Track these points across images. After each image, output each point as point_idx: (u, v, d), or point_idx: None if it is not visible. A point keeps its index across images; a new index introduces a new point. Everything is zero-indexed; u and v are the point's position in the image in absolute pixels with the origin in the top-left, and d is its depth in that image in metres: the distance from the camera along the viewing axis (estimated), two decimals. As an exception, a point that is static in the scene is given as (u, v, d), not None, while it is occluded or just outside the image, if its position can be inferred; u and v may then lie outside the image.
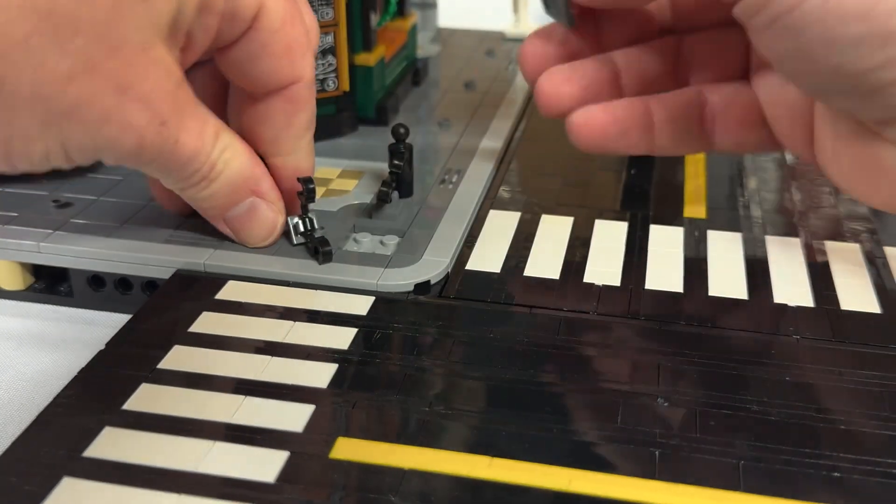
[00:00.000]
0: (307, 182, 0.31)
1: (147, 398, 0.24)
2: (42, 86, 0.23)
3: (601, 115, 0.31)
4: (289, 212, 0.31)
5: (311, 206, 0.31)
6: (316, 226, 0.31)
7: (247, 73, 0.29)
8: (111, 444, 0.23)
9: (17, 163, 0.25)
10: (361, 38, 0.40)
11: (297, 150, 0.31)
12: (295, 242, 0.31)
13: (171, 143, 0.26)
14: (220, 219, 0.30)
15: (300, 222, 0.31)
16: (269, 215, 0.30)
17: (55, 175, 0.35)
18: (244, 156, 0.29)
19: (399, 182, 0.34)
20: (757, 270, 0.31)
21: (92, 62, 0.24)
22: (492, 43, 0.54)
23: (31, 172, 0.25)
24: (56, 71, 0.23)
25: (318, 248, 0.30)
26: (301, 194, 0.31)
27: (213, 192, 0.29)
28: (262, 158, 0.30)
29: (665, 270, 0.31)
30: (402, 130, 0.33)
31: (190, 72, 0.28)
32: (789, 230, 0.34)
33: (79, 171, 0.36)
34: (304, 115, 0.30)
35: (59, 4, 0.23)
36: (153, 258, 0.30)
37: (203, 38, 0.27)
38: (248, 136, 0.30)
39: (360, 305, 0.28)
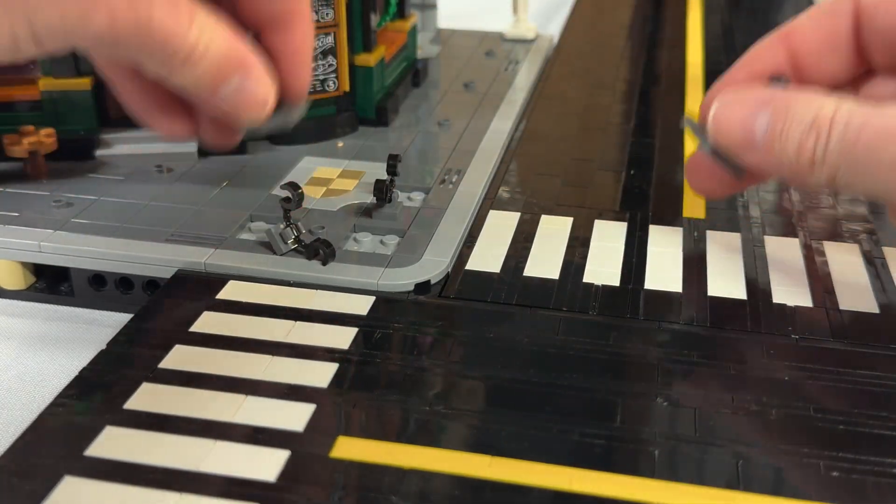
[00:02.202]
0: (294, 188, 0.30)
1: (148, 397, 0.24)
2: None
3: None
4: (295, 89, 0.29)
5: (313, 206, 0.31)
6: (303, 230, 0.31)
7: None
8: (112, 443, 0.23)
9: None
10: (361, 38, 0.40)
11: (295, 26, 0.29)
12: (283, 252, 0.31)
13: (144, 21, 0.25)
14: (211, 102, 0.28)
15: (287, 230, 0.31)
16: (259, 90, 0.28)
17: (56, 175, 0.35)
18: (225, 33, 0.27)
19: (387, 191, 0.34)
20: (756, 271, 0.31)
21: None
22: (492, 43, 0.54)
23: (2, 63, 0.24)
24: None
25: (321, 250, 0.30)
26: (285, 200, 0.30)
27: (198, 76, 0.27)
28: (260, 36, 0.29)
29: (664, 270, 0.31)
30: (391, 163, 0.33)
31: None
32: (788, 230, 0.34)
33: (79, 171, 0.36)
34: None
35: None
36: (154, 258, 0.30)
37: None
38: (238, 13, 0.28)
39: (361, 305, 0.28)
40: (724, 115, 0.29)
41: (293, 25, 0.29)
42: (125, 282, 0.31)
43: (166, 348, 0.26)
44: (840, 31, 0.30)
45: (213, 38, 0.26)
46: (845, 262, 0.32)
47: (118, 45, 0.25)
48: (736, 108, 0.28)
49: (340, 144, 0.40)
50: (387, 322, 0.28)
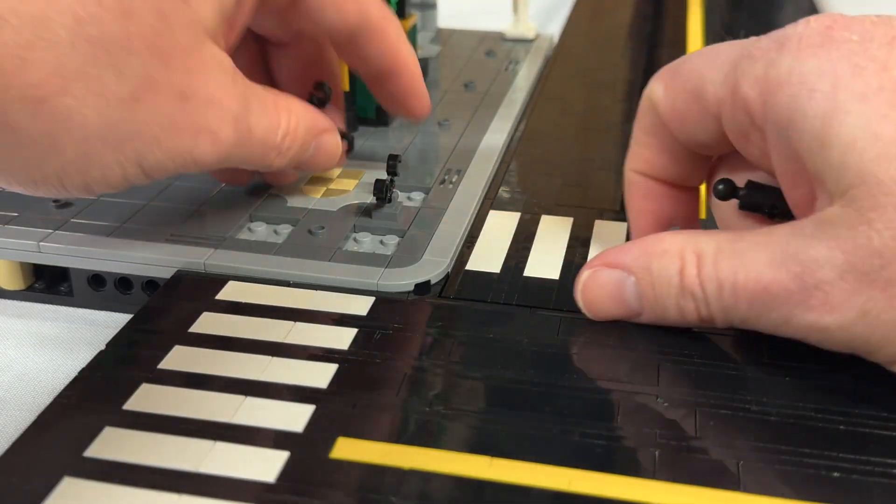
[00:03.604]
0: (321, 87, 0.32)
1: (147, 398, 0.24)
2: (109, 111, 0.23)
3: None
4: (416, 114, 0.33)
5: (312, 206, 0.31)
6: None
7: (310, 26, 0.29)
8: (112, 443, 0.23)
9: (97, 189, 0.25)
10: (361, 38, 0.40)
11: (401, 71, 0.32)
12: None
13: (245, 134, 0.27)
14: (283, 169, 0.31)
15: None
16: (332, 142, 0.31)
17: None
18: (303, 109, 0.30)
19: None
20: (757, 270, 0.31)
21: (151, 78, 0.24)
22: (492, 43, 0.54)
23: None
24: (119, 94, 0.23)
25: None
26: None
27: (289, 158, 0.30)
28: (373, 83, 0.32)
29: (665, 270, 0.31)
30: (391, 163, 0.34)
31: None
32: (789, 230, 0.34)
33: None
34: (391, 36, 0.30)
35: (107, 28, 0.23)
36: (153, 258, 0.30)
37: (243, 20, 0.27)
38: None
39: (360, 305, 0.28)
40: (591, 295, 0.27)
41: (399, 72, 0.32)
42: (124, 282, 0.31)
43: (166, 349, 0.26)
44: (670, 149, 0.29)
45: (298, 119, 0.29)
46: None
47: (224, 164, 0.27)
48: (598, 284, 0.27)
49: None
50: (387, 322, 0.28)
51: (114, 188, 0.25)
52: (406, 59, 0.31)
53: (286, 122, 0.29)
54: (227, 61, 0.26)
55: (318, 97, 0.32)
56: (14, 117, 0.23)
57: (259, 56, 0.33)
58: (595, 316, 0.28)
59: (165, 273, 0.30)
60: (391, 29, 0.31)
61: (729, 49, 0.26)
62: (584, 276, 0.27)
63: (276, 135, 0.28)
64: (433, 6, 0.53)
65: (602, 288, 0.27)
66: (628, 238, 0.33)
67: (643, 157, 0.29)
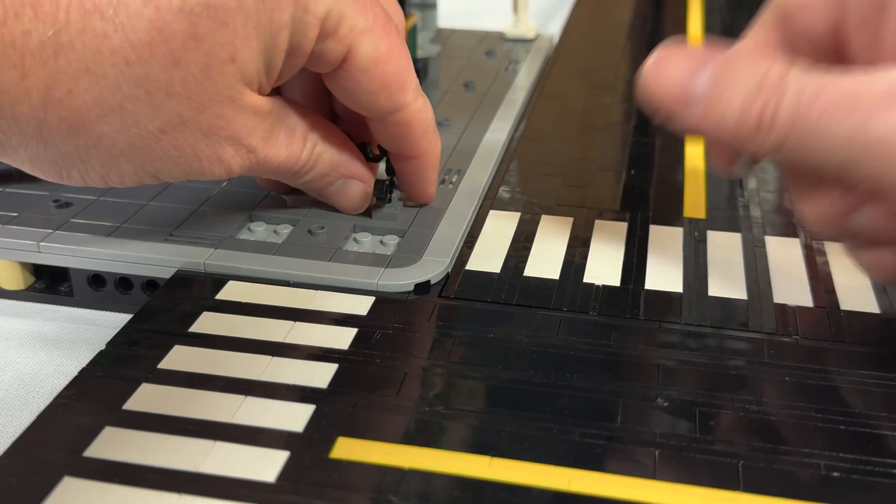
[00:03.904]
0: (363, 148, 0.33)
1: (147, 398, 0.24)
2: (136, 139, 0.25)
3: None
4: (417, 199, 0.34)
5: (312, 206, 0.31)
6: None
7: (346, 100, 0.30)
8: (111, 443, 0.23)
9: (112, 184, 0.27)
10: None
11: (419, 162, 0.32)
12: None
13: (261, 162, 0.28)
14: (316, 195, 0.33)
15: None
16: (358, 190, 0.32)
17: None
18: (332, 148, 0.31)
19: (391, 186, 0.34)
20: (756, 271, 0.31)
21: (182, 118, 0.26)
22: (492, 43, 0.54)
23: None
24: (149, 128, 0.25)
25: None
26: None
27: (306, 181, 0.31)
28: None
29: (665, 270, 0.31)
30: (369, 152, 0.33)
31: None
32: (789, 230, 0.34)
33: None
34: (416, 131, 0.31)
35: (153, 72, 0.24)
36: (153, 258, 0.30)
37: (291, 72, 0.28)
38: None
39: (360, 305, 0.28)
40: (658, 69, 0.26)
41: (416, 160, 0.32)
42: (124, 282, 0.31)
43: (166, 349, 0.26)
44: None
45: (322, 153, 0.30)
46: (846, 263, 0.31)
47: (237, 176, 0.29)
48: (672, 62, 0.26)
49: None
50: (387, 322, 0.28)
51: (126, 186, 0.27)
52: (426, 150, 0.32)
53: (308, 154, 0.30)
54: (264, 104, 0.27)
55: (373, 154, 0.33)
56: (49, 135, 0.25)
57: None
58: (650, 90, 0.26)
59: (165, 273, 0.30)
60: (417, 122, 0.31)
61: None
62: (662, 50, 0.26)
63: (296, 163, 0.30)
64: (433, 6, 0.53)
65: (676, 65, 0.26)
66: (628, 238, 0.33)
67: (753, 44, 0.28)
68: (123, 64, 0.24)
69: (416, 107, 0.30)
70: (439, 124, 0.42)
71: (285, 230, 0.32)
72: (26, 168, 0.26)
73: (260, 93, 0.27)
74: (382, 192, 0.33)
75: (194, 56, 0.25)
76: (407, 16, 0.46)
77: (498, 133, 0.41)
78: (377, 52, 0.28)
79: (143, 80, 0.24)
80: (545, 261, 0.31)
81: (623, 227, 0.34)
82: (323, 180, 0.31)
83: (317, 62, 0.28)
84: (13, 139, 0.25)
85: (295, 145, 0.29)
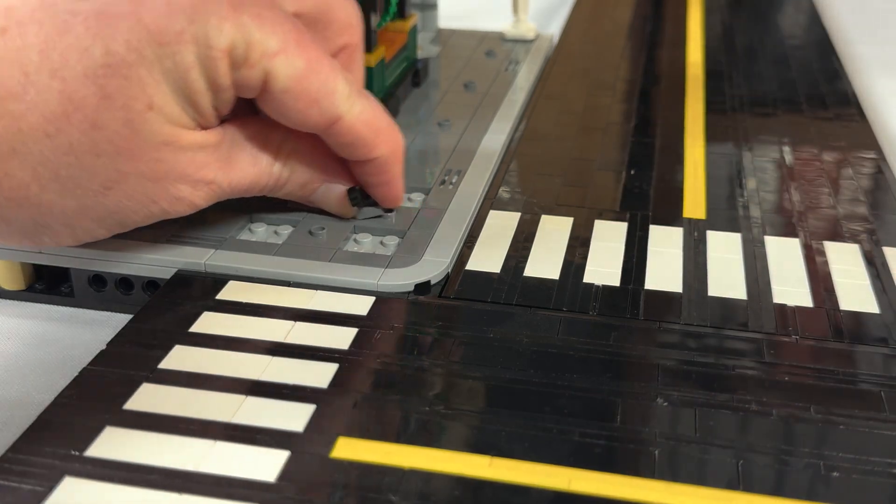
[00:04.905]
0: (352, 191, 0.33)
1: (148, 398, 0.24)
2: (84, 200, 0.26)
3: None
4: (385, 204, 0.33)
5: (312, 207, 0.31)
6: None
7: (283, 121, 0.30)
8: (112, 443, 0.23)
9: (85, 241, 0.29)
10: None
11: (383, 177, 0.32)
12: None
13: (225, 189, 0.29)
14: (305, 203, 0.33)
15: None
16: (342, 193, 0.32)
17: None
18: (308, 156, 0.31)
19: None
20: (756, 271, 0.31)
21: (121, 171, 0.26)
22: (492, 43, 0.54)
23: None
24: (92, 188, 0.26)
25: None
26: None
27: (287, 193, 0.32)
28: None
29: (665, 270, 0.31)
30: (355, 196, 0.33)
31: None
32: (788, 230, 0.34)
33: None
34: (364, 135, 0.30)
35: (75, 138, 0.25)
36: (154, 258, 0.30)
37: (228, 104, 0.28)
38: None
39: (360, 305, 0.28)
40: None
41: (374, 163, 0.32)
42: (125, 282, 0.31)
43: (166, 349, 0.26)
44: None
45: (297, 164, 0.31)
46: (845, 262, 0.32)
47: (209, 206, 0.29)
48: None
49: None
50: (387, 322, 0.28)
51: (103, 238, 0.29)
52: (385, 151, 0.31)
53: (280, 168, 0.31)
54: (209, 137, 0.28)
55: (357, 195, 0.33)
56: (4, 213, 0.26)
57: None
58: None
59: (166, 273, 0.30)
60: (361, 126, 0.30)
61: None
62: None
63: (269, 179, 0.30)
64: (433, 6, 0.53)
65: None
66: (628, 238, 0.33)
67: None
68: (45, 138, 0.25)
69: (355, 113, 0.29)
70: (439, 125, 0.42)
71: (286, 231, 0.32)
72: (3, 241, 0.28)
73: (205, 128, 0.28)
74: (357, 198, 0.33)
75: (111, 114, 0.25)
76: (407, 16, 0.46)
77: (498, 133, 0.41)
78: (295, 71, 0.28)
79: (68, 148, 0.25)
80: (545, 261, 0.31)
81: (623, 227, 0.34)
82: (304, 189, 0.32)
83: (241, 90, 0.28)
84: None
85: (262, 163, 0.30)
